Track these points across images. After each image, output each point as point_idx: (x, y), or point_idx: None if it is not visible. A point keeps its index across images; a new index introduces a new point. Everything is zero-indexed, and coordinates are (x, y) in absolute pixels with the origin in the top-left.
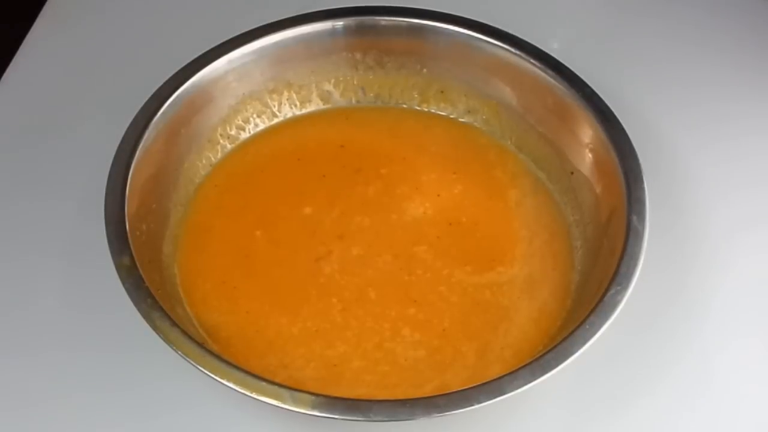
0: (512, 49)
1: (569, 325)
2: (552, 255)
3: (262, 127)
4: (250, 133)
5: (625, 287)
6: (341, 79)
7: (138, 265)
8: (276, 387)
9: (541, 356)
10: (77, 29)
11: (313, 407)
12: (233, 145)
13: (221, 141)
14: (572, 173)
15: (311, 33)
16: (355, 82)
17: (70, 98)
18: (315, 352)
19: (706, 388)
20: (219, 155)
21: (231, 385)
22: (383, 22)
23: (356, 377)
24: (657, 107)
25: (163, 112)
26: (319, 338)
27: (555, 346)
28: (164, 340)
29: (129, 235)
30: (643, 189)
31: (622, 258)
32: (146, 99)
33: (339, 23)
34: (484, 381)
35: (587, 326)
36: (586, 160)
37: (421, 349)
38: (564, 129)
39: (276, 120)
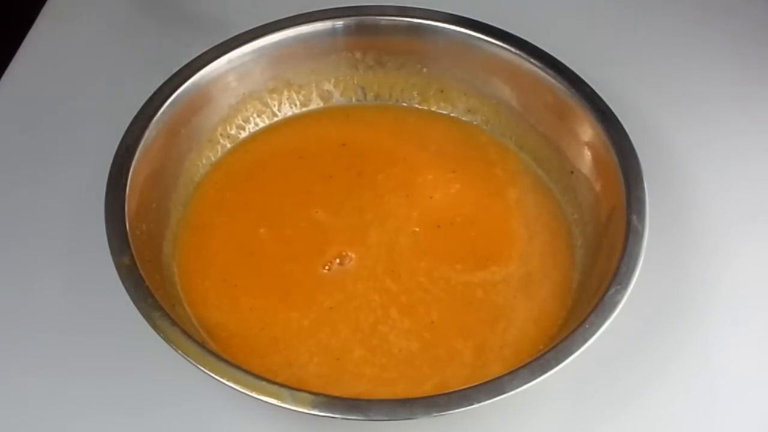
0: (512, 49)
1: (569, 325)
2: (552, 253)
3: (262, 126)
4: (250, 132)
5: (625, 287)
6: (341, 78)
7: (138, 265)
8: (276, 386)
9: (541, 356)
10: (77, 29)
11: (314, 406)
12: (233, 145)
13: (221, 140)
14: (572, 172)
15: (311, 32)
16: (355, 82)
17: (70, 98)
18: (319, 346)
19: (706, 388)
20: (219, 154)
21: (231, 384)
22: (383, 22)
23: (358, 370)
24: (657, 106)
25: (163, 112)
26: (320, 334)
27: (555, 346)
28: (164, 340)
29: (129, 234)
30: (642, 188)
31: (621, 257)
32: (146, 99)
33: (339, 23)
34: (484, 380)
35: (587, 326)
36: (585, 160)
37: (414, 341)
38: (564, 128)
39: (276, 119)
